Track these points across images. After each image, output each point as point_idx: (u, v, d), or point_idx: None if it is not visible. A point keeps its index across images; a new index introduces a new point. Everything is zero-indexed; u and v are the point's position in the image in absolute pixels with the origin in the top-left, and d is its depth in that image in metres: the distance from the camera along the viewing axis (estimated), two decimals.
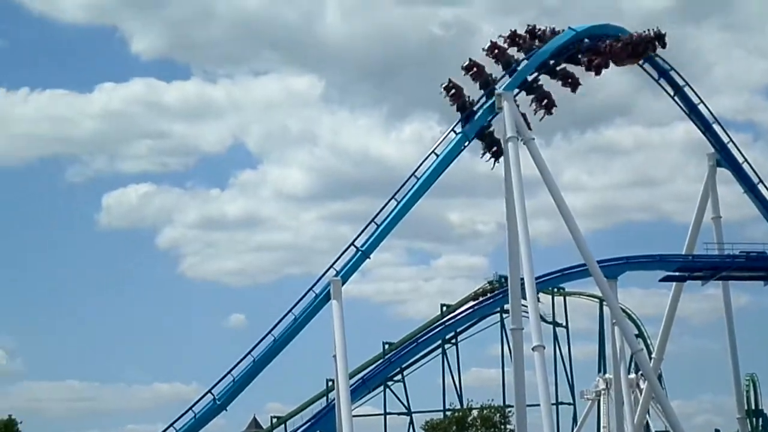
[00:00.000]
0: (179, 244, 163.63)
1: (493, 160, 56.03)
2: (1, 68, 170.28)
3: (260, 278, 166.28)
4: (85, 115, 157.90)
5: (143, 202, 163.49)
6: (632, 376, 72.20)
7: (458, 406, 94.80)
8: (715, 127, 66.07)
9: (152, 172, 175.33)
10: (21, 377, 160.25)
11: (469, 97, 56.31)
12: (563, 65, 59.03)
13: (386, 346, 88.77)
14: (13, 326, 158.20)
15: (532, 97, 57.72)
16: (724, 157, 66.08)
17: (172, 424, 57.27)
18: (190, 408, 56.97)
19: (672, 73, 64.55)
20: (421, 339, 76.73)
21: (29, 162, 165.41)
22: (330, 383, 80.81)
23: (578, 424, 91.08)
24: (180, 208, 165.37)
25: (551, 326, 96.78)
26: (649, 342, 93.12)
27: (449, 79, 56.04)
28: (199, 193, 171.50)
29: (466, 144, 56.38)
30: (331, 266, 54.30)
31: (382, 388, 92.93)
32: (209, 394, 56.80)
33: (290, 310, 54.88)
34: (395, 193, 55.16)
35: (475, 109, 56.23)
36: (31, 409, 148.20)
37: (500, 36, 58.41)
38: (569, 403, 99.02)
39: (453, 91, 55.66)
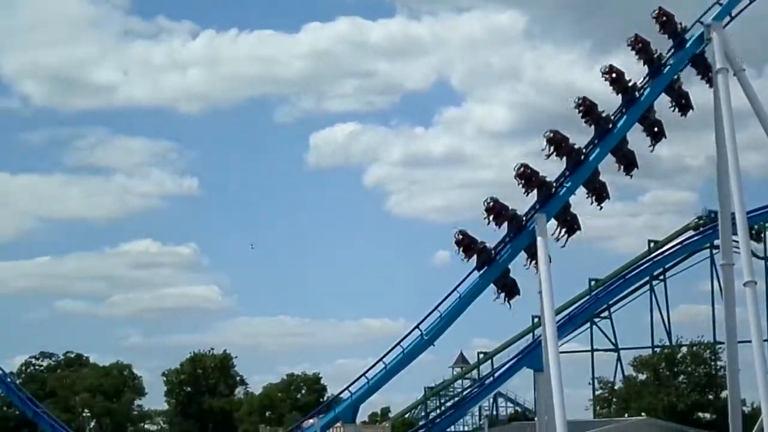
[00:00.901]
0: (385, 182, 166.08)
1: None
2: (210, 10, 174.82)
3: (465, 215, 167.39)
4: (292, 56, 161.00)
5: (350, 140, 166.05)
6: None
7: (667, 343, 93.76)
8: None
9: (358, 111, 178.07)
10: (235, 314, 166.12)
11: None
12: None
13: (592, 283, 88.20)
14: (227, 264, 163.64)
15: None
16: None
17: (381, 359, 58.32)
18: (398, 343, 57.86)
19: None
20: (629, 275, 75.91)
21: (238, 103, 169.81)
22: (536, 320, 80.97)
23: None
24: (385, 146, 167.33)
25: (763, 262, 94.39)
26: None
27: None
28: (403, 131, 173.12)
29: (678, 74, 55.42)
30: (537, 202, 54.12)
31: (588, 324, 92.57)
32: (417, 330, 57.57)
33: (495, 247, 55.01)
34: (599, 128, 54.49)
35: (685, 37, 55.16)
36: (245, 344, 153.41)
37: None
38: None
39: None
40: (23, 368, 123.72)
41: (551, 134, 53.18)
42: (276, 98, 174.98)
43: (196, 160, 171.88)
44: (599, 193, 54.08)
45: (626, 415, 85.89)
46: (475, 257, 53.98)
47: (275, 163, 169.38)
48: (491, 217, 53.25)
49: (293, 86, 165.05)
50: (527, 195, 53.75)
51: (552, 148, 53.27)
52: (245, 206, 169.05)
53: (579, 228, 54.25)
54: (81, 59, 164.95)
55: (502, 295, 54.35)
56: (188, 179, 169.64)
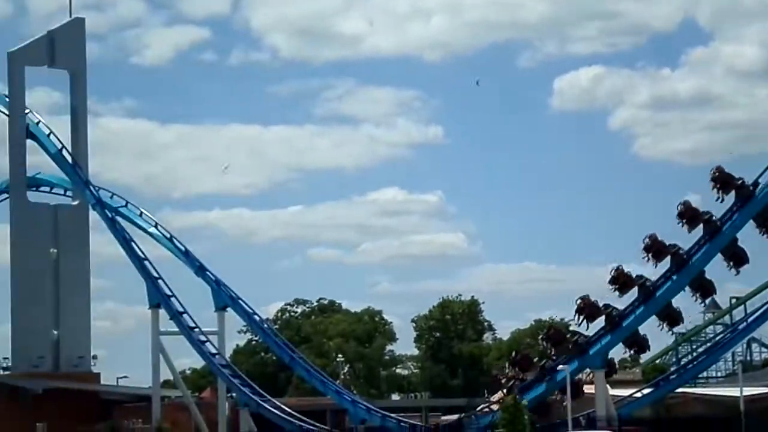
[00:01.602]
0: (631, 125, 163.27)
1: None
2: None
3: (714, 157, 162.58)
4: None
5: (594, 84, 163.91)
6: None
7: None
8: None
9: (602, 54, 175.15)
10: (481, 260, 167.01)
11: None
12: None
13: None
14: (472, 211, 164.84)
15: None
16: None
17: (631, 304, 58.13)
18: (654, 283, 57.40)
19: None
20: None
21: (481, 49, 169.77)
22: None
23: None
24: (631, 88, 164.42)
25: None
26: None
27: None
28: (649, 72, 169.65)
29: None
30: None
31: None
32: (667, 275, 57.01)
33: (747, 190, 53.87)
34: None
35: None
36: (491, 290, 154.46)
37: None
38: None
39: None
40: (279, 315, 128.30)
41: None
42: (519, 43, 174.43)
43: (441, 108, 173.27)
44: None
45: None
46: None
47: (519, 109, 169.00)
48: None
49: (536, 30, 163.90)
50: None
51: None
52: (490, 153, 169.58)
53: None
54: (328, 10, 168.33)
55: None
56: (433, 127, 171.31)
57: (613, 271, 56.87)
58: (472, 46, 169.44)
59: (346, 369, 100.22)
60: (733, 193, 54.82)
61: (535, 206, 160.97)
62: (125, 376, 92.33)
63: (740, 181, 54.03)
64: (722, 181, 54.43)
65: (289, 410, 70.44)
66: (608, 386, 60.35)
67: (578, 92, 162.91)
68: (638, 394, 62.83)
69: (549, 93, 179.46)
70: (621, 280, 56.54)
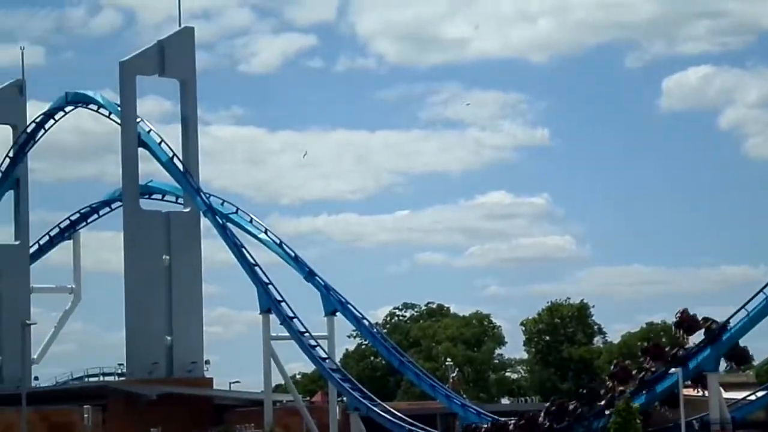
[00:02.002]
0: (741, 125, 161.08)
1: None
2: None
3: None
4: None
5: (703, 83, 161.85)
6: None
7: None
8: None
9: (711, 53, 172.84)
10: (590, 263, 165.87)
11: None
12: None
13: None
14: (580, 212, 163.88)
15: None
16: None
17: (743, 306, 57.28)
18: (762, 290, 56.58)
19: None
20: None
21: (588, 49, 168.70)
22: None
23: None
24: (741, 88, 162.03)
25: None
26: None
27: None
28: (760, 71, 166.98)
29: None
30: None
31: None
32: None
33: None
34: None
35: None
36: (601, 293, 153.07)
37: None
38: None
39: None
40: (388, 319, 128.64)
41: None
42: (626, 43, 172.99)
43: (547, 110, 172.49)
44: None
45: None
46: None
47: (627, 110, 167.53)
48: None
49: (643, 30, 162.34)
50: None
51: None
52: (596, 154, 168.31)
53: None
54: (433, 15, 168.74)
55: None
56: (539, 130, 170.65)
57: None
58: (578, 47, 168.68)
59: (455, 373, 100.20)
60: None
61: (643, 208, 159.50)
62: (237, 381, 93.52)
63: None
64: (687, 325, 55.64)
65: (399, 414, 70.68)
66: (721, 389, 59.57)
67: (687, 92, 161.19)
68: (752, 397, 61.89)
69: (657, 93, 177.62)
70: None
